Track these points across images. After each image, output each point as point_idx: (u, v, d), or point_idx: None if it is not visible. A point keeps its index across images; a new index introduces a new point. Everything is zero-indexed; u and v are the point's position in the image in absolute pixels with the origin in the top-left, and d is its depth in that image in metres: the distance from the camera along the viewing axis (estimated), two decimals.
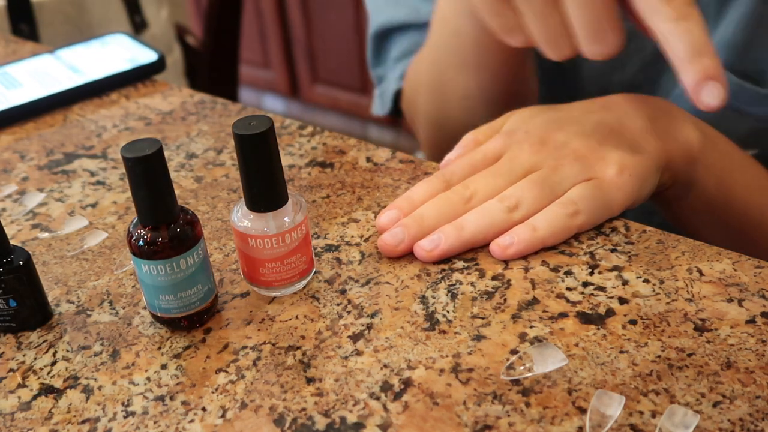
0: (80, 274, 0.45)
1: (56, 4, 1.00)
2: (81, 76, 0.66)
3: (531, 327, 0.39)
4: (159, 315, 0.40)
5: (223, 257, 0.46)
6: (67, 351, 0.40)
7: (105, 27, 1.02)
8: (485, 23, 0.47)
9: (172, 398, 0.37)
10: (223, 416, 0.35)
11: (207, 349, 0.39)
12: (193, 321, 0.40)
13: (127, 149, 0.36)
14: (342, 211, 0.49)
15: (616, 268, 0.42)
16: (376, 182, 0.51)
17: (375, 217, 0.48)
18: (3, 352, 0.40)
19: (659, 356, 0.37)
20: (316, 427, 0.35)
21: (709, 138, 0.50)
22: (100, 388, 0.38)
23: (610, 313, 0.39)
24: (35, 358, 0.40)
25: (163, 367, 0.38)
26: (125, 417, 0.36)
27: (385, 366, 0.37)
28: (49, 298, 0.43)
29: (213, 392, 0.37)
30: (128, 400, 0.37)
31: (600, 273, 0.42)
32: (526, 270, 0.43)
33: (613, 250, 0.44)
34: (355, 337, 0.39)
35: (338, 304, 0.41)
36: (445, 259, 0.44)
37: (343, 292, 0.42)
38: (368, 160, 0.54)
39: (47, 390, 0.38)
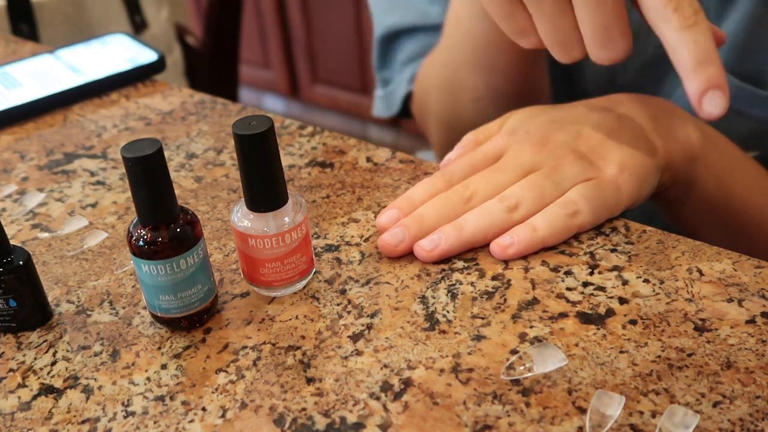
0: (80, 274, 0.45)
1: (56, 4, 1.00)
2: (81, 76, 0.66)
3: (531, 327, 0.39)
4: (159, 315, 0.40)
5: (223, 257, 0.46)
6: (67, 351, 0.40)
7: (105, 27, 1.02)
8: (497, 25, 0.47)
9: (172, 398, 0.37)
10: (223, 416, 0.35)
11: (207, 349, 0.39)
12: (193, 321, 0.40)
13: (127, 149, 0.36)
14: (342, 211, 0.49)
15: (616, 268, 0.42)
16: (376, 182, 0.51)
17: (375, 217, 0.48)
18: (3, 352, 0.40)
19: (659, 356, 0.37)
20: (316, 427, 0.35)
21: (709, 138, 0.50)
22: (100, 388, 0.38)
23: (610, 313, 0.39)
24: (35, 358, 0.40)
25: (163, 367, 0.38)
26: (125, 417, 0.36)
27: (385, 366, 0.37)
28: (49, 298, 0.43)
29: (213, 392, 0.37)
30: (128, 400, 0.37)
31: (600, 273, 0.42)
32: (526, 270, 0.43)
33: (613, 250, 0.44)
34: (355, 337, 0.39)
35: (338, 304, 0.41)
36: (445, 259, 0.44)
37: (343, 292, 0.42)
38: (368, 160, 0.54)
39: (47, 390, 0.38)
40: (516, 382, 0.36)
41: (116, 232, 0.49)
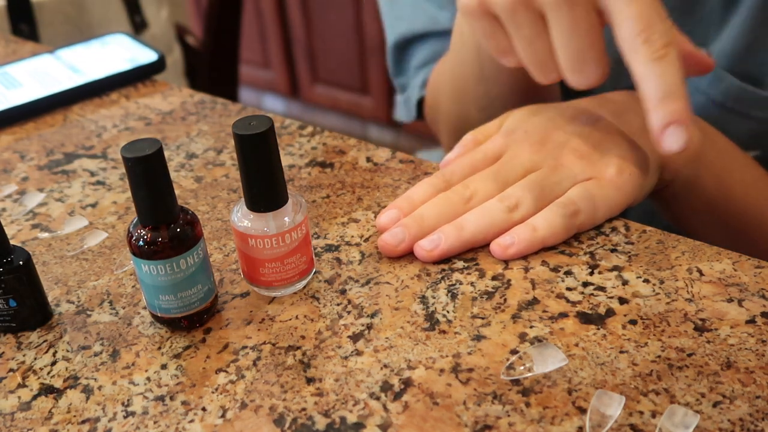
0: (80, 274, 0.45)
1: (56, 4, 1.00)
2: (81, 76, 0.66)
3: (531, 327, 0.39)
4: (159, 315, 0.40)
5: (223, 257, 0.46)
6: (67, 351, 0.40)
7: (105, 27, 1.02)
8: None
9: (172, 398, 0.37)
10: (223, 416, 0.35)
11: (207, 349, 0.39)
12: (193, 321, 0.40)
13: (127, 149, 0.36)
14: (342, 211, 0.49)
15: (616, 268, 0.42)
16: (376, 182, 0.51)
17: (375, 217, 0.48)
18: (3, 352, 0.40)
19: (659, 356, 0.37)
20: (316, 427, 0.35)
21: (708, 136, 0.50)
22: (100, 388, 0.38)
23: (610, 313, 0.39)
24: (35, 358, 0.40)
25: (163, 367, 0.38)
26: (125, 417, 0.36)
27: (385, 366, 0.37)
28: (49, 298, 0.43)
29: (213, 392, 0.37)
30: (128, 400, 0.37)
31: (600, 273, 0.42)
32: (526, 270, 0.43)
33: (613, 250, 0.44)
34: (355, 337, 0.39)
35: (338, 304, 0.41)
36: (445, 259, 0.44)
37: (343, 292, 0.42)
38: (368, 160, 0.54)
39: (47, 390, 0.38)
40: (516, 382, 0.36)
41: (116, 232, 0.49)
